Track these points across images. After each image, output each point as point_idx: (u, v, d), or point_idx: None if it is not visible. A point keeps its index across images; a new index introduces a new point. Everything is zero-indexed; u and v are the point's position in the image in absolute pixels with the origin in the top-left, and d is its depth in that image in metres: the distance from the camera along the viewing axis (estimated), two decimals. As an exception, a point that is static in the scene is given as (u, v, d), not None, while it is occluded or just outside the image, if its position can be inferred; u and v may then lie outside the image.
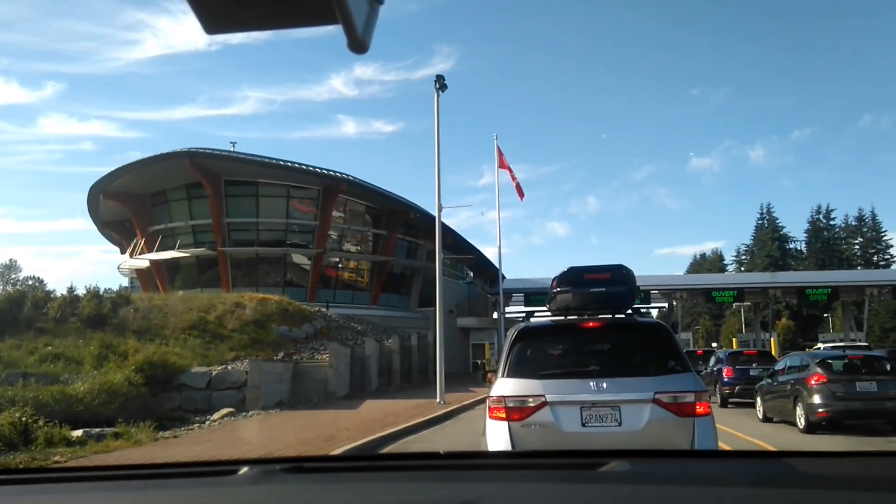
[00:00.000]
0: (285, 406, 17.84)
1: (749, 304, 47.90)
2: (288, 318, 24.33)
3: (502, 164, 30.99)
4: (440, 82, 19.75)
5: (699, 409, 5.20)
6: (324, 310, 28.96)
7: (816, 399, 11.73)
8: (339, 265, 37.51)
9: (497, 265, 34.28)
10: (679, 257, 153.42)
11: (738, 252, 77.82)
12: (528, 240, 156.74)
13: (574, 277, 6.18)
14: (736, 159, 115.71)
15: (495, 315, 40.60)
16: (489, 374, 6.45)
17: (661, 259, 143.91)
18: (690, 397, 5.21)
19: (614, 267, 6.33)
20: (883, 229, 67.17)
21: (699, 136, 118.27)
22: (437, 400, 17.93)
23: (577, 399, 5.22)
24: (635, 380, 5.35)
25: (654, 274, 45.73)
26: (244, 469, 1.67)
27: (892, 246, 67.03)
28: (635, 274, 6.30)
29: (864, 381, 11.90)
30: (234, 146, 34.95)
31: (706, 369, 20.39)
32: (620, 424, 5.16)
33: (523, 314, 7.01)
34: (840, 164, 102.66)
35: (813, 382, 11.99)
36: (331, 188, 34.19)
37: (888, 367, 12.37)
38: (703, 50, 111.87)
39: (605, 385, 5.24)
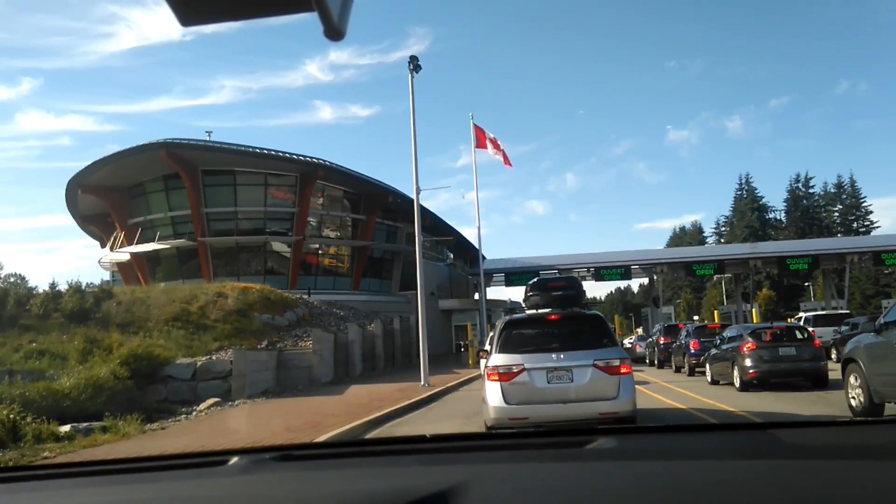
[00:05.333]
0: (271, 394, 18.18)
1: (730, 275, 48.82)
2: (270, 307, 24.60)
3: (481, 144, 31.10)
4: (414, 63, 19.78)
5: (623, 370, 7.89)
6: (305, 297, 29.24)
7: (747, 362, 14.36)
8: (320, 251, 37.70)
9: (477, 246, 34.67)
10: (659, 231, 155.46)
11: (718, 224, 79.06)
12: (507, 219, 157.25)
13: (541, 286, 9.25)
14: (714, 130, 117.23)
15: (476, 296, 41.09)
16: (482, 353, 10.20)
17: (640, 233, 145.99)
18: (617, 362, 7.89)
19: (568, 278, 10.84)
20: (862, 196, 68.52)
21: (676, 108, 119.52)
22: (422, 383, 18.21)
23: (545, 366, 7.85)
24: (581, 352, 7.97)
25: (634, 249, 46.45)
26: (234, 459, 1.69)
27: (871, 212, 68.51)
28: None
29: (785, 347, 14.50)
30: (209, 136, 34.88)
31: (675, 342, 22.60)
32: (572, 381, 7.80)
33: (506, 301, 9.52)
34: (818, 131, 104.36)
35: (745, 349, 14.63)
36: (308, 174, 34.26)
37: (805, 335, 15.15)
38: (678, 21, 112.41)
39: (562, 356, 7.91)
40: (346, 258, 38.59)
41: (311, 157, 34.31)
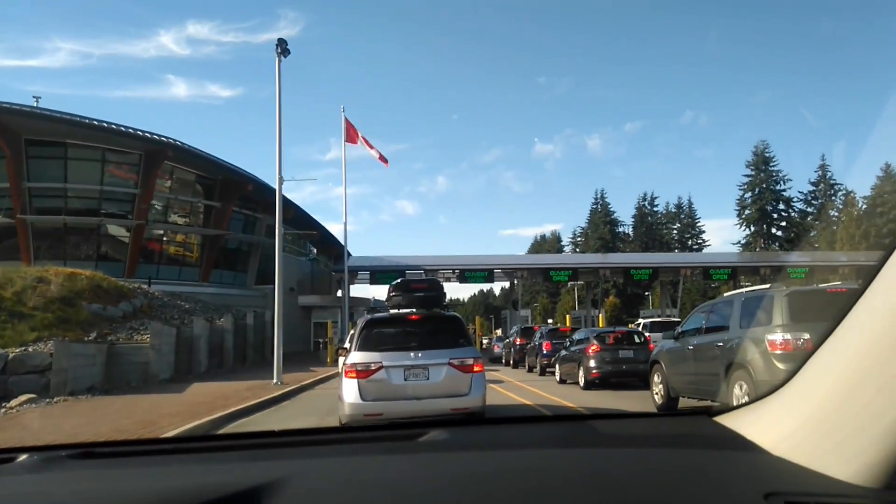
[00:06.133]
0: (98, 391, 16.58)
1: (582, 282, 52.10)
2: (102, 296, 22.45)
3: (351, 138, 30.72)
4: (282, 47, 19.25)
5: (476, 369, 8.31)
6: (145, 286, 27.09)
7: (591, 363, 15.67)
8: (164, 238, 35.17)
9: (342, 242, 34.10)
10: (522, 238, 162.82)
11: (575, 234, 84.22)
12: (376, 217, 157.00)
13: (404, 286, 9.45)
14: (576, 147, 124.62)
15: (339, 293, 40.45)
16: (341, 350, 10.37)
17: (505, 239, 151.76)
18: (470, 361, 8.30)
19: (430, 280, 11.17)
20: (697, 216, 76.25)
21: (544, 122, 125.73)
22: (274, 381, 17.70)
23: (402, 364, 8.14)
24: (438, 351, 8.32)
25: (497, 254, 48.20)
26: (23, 457, 1.56)
27: (704, 231, 76.38)
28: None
29: (625, 350, 16.02)
30: (37, 101, 31.30)
31: (530, 343, 24.12)
32: (428, 379, 8.15)
33: (370, 300, 9.63)
34: (664, 155, 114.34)
35: (590, 351, 15.85)
36: (155, 154, 31.81)
37: (641, 339, 16.86)
38: (551, 40, 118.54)
39: (420, 355, 8.22)
40: (196, 247, 36.32)
41: (158, 135, 31.87)
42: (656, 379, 11.45)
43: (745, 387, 8.32)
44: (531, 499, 1.18)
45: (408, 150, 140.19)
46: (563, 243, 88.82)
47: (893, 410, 1.05)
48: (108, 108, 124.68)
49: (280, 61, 19.20)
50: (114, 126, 30.49)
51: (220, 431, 10.07)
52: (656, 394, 11.45)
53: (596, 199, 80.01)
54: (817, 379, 1.23)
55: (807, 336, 7.70)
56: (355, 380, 7.96)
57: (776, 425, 1.33)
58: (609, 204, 78.52)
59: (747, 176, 67.82)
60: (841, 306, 1.18)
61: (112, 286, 23.70)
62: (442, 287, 9.84)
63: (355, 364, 8.05)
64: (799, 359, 1.32)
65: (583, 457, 1.42)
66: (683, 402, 10.84)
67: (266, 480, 1.28)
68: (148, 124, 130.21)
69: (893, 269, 1.06)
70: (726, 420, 1.54)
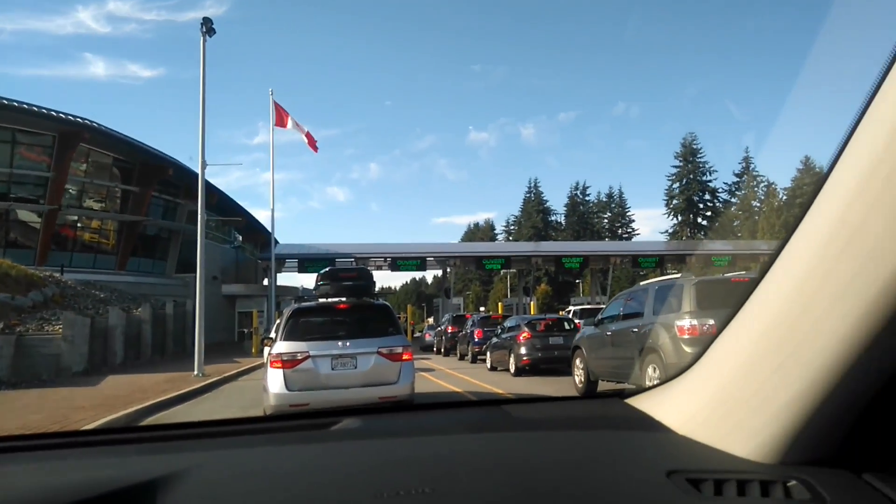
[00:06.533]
0: (5, 385, 15.88)
1: (515, 270, 53.07)
2: (10, 284, 21.38)
3: (281, 122, 30.20)
4: (207, 26, 18.69)
5: (404, 357, 8.48)
6: (57, 275, 25.92)
7: (522, 350, 16.02)
8: (79, 224, 33.64)
9: (269, 229, 33.55)
10: (455, 226, 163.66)
11: (508, 223, 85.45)
12: (305, 204, 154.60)
13: (332, 275, 9.52)
14: (510, 135, 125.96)
15: (266, 282, 39.81)
16: (266, 341, 10.53)
17: (438, 227, 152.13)
18: (399, 349, 8.46)
19: (360, 269, 10.98)
20: (628, 206, 78.77)
21: (478, 110, 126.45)
22: (195, 372, 17.33)
23: (330, 353, 8.19)
24: (367, 340, 8.42)
25: (431, 242, 48.44)
26: None
27: (633, 221, 78.99)
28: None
29: (555, 337, 16.41)
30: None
31: (462, 331, 24.23)
32: (356, 368, 8.24)
33: (298, 289, 9.67)
34: (597, 145, 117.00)
35: (521, 338, 16.15)
36: (70, 135, 30.31)
37: (571, 326, 17.15)
38: (484, 27, 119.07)
39: (348, 344, 8.31)
40: (112, 234, 34.91)
41: (74, 116, 30.36)
42: (577, 363, 12.00)
43: (657, 370, 8.91)
44: (441, 484, 1.20)
45: (339, 136, 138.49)
46: (496, 231, 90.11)
47: (786, 391, 1.10)
48: (19, 87, 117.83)
49: (205, 41, 18.69)
50: (25, 105, 28.82)
51: (125, 424, 9.89)
52: (577, 378, 12.03)
53: (529, 187, 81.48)
54: (719, 362, 1.28)
55: (712, 322, 8.32)
56: (281, 370, 7.97)
57: (682, 406, 1.38)
58: (542, 193, 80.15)
59: (675, 167, 70.64)
60: (742, 294, 1.23)
61: (21, 274, 22.60)
62: (371, 276, 9.94)
63: (281, 354, 8.07)
64: (705, 343, 1.38)
65: (495, 441, 1.45)
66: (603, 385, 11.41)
67: (164, 473, 1.25)
68: (63, 105, 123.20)
69: (785, 260, 1.10)
70: (637, 402, 1.58)
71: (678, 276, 11.07)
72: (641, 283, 11.03)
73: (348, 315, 8.85)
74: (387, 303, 9.75)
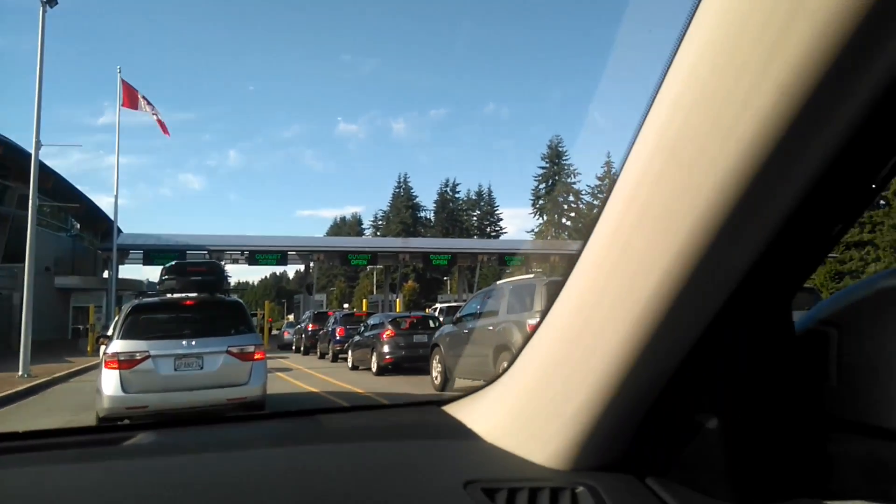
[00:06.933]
0: None
1: (381, 266, 53.11)
2: None
3: (130, 103, 28.35)
4: (49, -6, 17.43)
5: (256, 357, 8.27)
6: None
7: (385, 349, 15.89)
8: None
9: (112, 217, 31.23)
10: (321, 219, 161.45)
11: (376, 217, 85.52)
12: (155, 191, 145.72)
13: (179, 269, 9.19)
14: (380, 129, 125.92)
15: (106, 274, 37.03)
16: (102, 339, 9.74)
17: (303, 220, 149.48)
18: (251, 348, 8.25)
19: (210, 263, 11.07)
20: (496, 204, 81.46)
21: (348, 102, 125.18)
22: (20, 373, 16.06)
23: (173, 353, 7.88)
24: (215, 338, 8.14)
25: (293, 235, 47.28)
26: None
27: (501, 219, 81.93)
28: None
29: (419, 335, 16.34)
30: None
31: (323, 329, 24.12)
32: (202, 368, 7.94)
33: (143, 282, 9.24)
34: (467, 143, 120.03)
35: (384, 336, 16.09)
36: None
37: (437, 324, 17.10)
38: (354, 16, 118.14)
39: (193, 343, 8.01)
40: (-79, 217, 30.92)
41: None
42: (436, 362, 12.27)
43: None
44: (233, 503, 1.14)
45: (196, 120, 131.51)
46: (363, 226, 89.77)
47: (575, 398, 1.11)
48: None
49: (45, 10, 17.47)
50: None
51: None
52: (435, 377, 12.27)
53: (399, 182, 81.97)
54: (526, 366, 1.27)
55: None
56: (116, 370, 7.61)
57: (492, 413, 1.37)
58: (412, 188, 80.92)
59: (542, 168, 73.99)
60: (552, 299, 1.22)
61: None
62: (222, 270, 9.72)
63: (117, 353, 7.71)
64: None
65: (301, 454, 1.39)
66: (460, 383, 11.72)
67: None
68: None
69: (583, 262, 1.10)
70: (453, 409, 1.56)
71: (531, 276, 11.61)
72: (498, 283, 11.45)
73: (195, 312, 8.56)
74: (239, 299, 9.58)
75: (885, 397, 1.00)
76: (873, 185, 0.96)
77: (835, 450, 1.08)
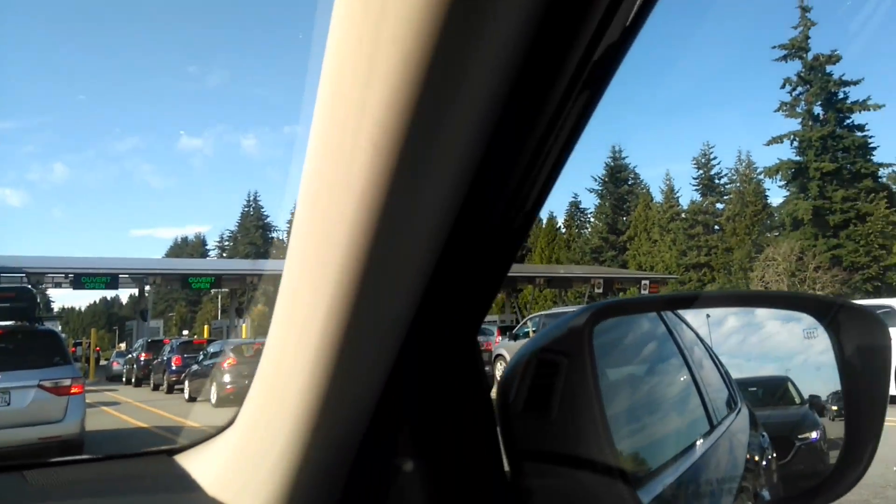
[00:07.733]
0: None
1: (227, 290, 50.99)
2: None
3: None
4: None
5: (73, 390, 7.88)
6: None
7: (226, 378, 15.29)
8: None
9: None
10: (158, 240, 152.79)
11: (223, 238, 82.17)
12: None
13: None
14: (229, 145, 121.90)
15: None
16: None
17: (138, 240, 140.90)
18: (67, 382, 7.87)
19: (19, 288, 10.67)
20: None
21: (192, 115, 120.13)
22: None
23: None
24: (26, 371, 7.68)
25: (126, 257, 44.30)
26: None
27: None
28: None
29: None
30: None
31: (157, 358, 23.30)
32: (9, 404, 7.45)
33: None
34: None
35: (225, 365, 15.54)
36: None
37: None
38: (200, 26, 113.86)
39: (0, 377, 7.49)
40: None
41: None
42: (499, 367, 12.82)
43: None
44: None
45: (15, 130, 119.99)
46: (208, 247, 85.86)
47: (278, 442, 1.06)
48: None
49: None
50: None
51: None
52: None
53: (248, 201, 79.37)
54: (245, 408, 1.22)
55: None
56: None
57: (216, 462, 1.29)
58: (262, 208, 78.62)
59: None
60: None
61: None
62: (34, 296, 9.37)
63: None
64: None
65: None
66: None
67: None
68: None
69: (280, 295, 1.02)
70: (183, 458, 1.46)
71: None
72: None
73: (2, 342, 8.17)
74: (52, 328, 9.25)
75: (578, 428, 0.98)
76: (526, 209, 0.96)
77: (532, 483, 1.06)
